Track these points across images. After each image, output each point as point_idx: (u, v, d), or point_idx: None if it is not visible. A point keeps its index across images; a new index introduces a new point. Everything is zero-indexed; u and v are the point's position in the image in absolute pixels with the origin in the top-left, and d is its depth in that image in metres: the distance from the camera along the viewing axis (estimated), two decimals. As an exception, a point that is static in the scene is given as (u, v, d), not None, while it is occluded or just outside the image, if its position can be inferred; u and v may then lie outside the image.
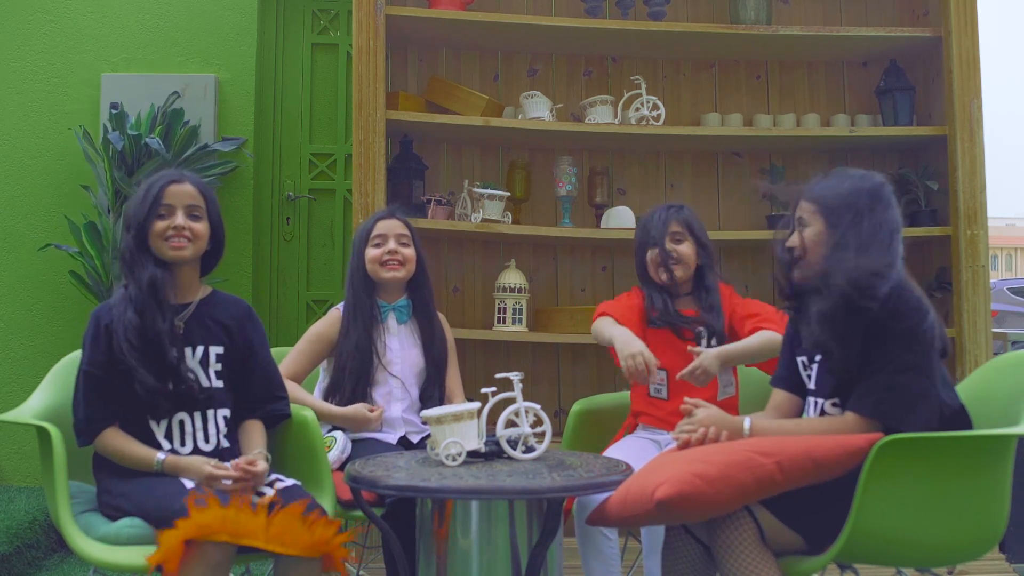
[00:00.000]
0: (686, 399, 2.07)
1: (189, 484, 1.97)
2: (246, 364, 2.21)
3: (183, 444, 2.08)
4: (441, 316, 2.73)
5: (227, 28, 4.13)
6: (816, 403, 2.05)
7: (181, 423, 2.09)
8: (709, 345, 2.51)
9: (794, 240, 2.06)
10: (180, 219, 2.09)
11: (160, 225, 2.08)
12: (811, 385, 2.07)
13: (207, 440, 2.11)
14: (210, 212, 2.16)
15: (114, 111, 3.82)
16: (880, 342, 1.89)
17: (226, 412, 2.16)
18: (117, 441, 2.04)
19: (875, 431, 1.88)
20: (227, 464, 1.99)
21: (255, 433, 2.19)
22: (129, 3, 4.12)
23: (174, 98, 3.96)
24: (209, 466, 1.96)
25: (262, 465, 1.99)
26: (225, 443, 2.14)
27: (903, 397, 1.87)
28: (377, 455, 2.21)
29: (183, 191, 2.11)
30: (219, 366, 2.16)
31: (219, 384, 2.15)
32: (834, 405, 2.00)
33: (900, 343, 1.88)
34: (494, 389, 2.09)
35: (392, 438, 2.53)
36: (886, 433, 1.87)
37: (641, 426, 2.57)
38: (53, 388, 2.24)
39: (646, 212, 2.69)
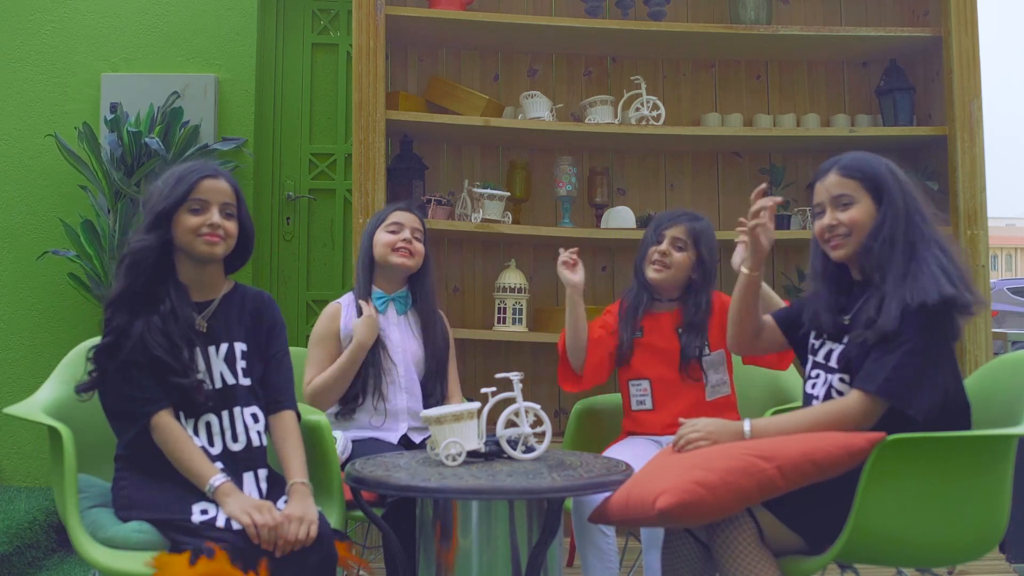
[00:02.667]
0: (681, 419, 2.06)
1: (205, 507, 1.89)
2: (270, 356, 2.14)
3: (211, 444, 2.00)
4: (442, 315, 2.73)
5: (227, 28, 4.13)
6: (825, 378, 2.02)
7: (208, 424, 2.02)
8: (687, 355, 2.49)
9: (839, 217, 2.00)
10: (216, 217, 2.02)
11: (194, 220, 2.01)
12: (831, 362, 2.03)
13: (235, 439, 2.02)
14: (240, 211, 2.09)
15: (111, 113, 3.82)
16: (899, 321, 1.87)
17: (254, 410, 2.07)
18: (177, 430, 1.94)
19: (878, 411, 1.87)
20: (270, 510, 1.88)
21: (290, 444, 2.07)
22: (129, 3, 4.12)
23: (174, 98, 3.96)
24: (255, 514, 1.84)
25: (303, 532, 1.87)
26: (256, 441, 2.05)
27: (912, 379, 1.85)
28: (378, 455, 2.21)
29: (219, 187, 2.04)
30: (244, 363, 2.08)
31: (246, 382, 2.07)
32: (841, 380, 1.98)
33: (917, 325, 1.86)
34: (494, 389, 2.09)
35: (394, 435, 2.53)
36: (889, 414, 1.87)
37: None
38: (63, 381, 2.18)
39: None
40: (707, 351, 2.52)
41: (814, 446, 1.81)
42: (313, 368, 2.55)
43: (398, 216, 2.62)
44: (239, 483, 1.98)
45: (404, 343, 2.60)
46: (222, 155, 3.93)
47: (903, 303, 1.87)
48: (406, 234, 2.60)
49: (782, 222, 3.56)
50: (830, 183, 2.03)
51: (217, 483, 1.89)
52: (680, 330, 2.53)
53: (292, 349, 2.70)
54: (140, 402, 1.95)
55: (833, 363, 2.02)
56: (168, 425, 1.94)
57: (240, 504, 1.86)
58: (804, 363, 2.15)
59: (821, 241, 2.07)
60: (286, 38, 4.30)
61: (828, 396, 2.00)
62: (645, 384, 2.53)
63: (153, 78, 4.03)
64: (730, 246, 3.65)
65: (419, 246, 2.62)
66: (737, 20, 3.57)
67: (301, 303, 4.23)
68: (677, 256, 2.51)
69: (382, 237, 2.60)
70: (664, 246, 2.52)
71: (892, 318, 1.87)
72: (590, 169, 3.65)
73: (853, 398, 1.90)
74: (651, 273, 2.53)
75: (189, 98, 3.99)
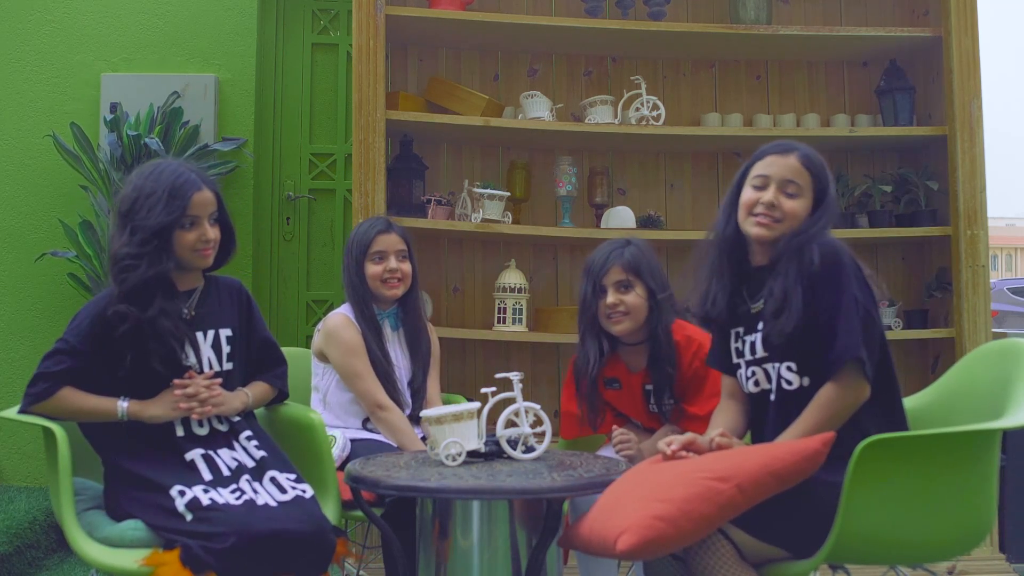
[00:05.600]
0: (661, 443, 1.98)
1: (183, 489, 1.95)
2: (250, 341, 2.27)
3: (201, 425, 2.11)
4: (430, 326, 2.76)
5: (227, 28, 4.13)
6: (766, 372, 2.01)
7: None
8: (658, 404, 2.40)
9: (783, 202, 1.98)
10: (209, 232, 2.11)
11: (190, 237, 2.09)
12: (759, 353, 2.01)
13: (221, 420, 2.14)
14: (221, 213, 2.17)
15: (111, 114, 3.82)
16: (833, 289, 1.90)
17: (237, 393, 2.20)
18: (74, 398, 2.03)
19: (863, 375, 1.87)
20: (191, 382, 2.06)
21: (254, 385, 2.25)
22: (129, 3, 4.12)
23: (174, 98, 3.96)
24: (171, 396, 2.04)
25: (231, 398, 2.13)
26: (237, 418, 2.18)
27: (874, 336, 1.90)
28: (377, 455, 2.21)
29: (206, 199, 2.11)
30: (229, 348, 2.19)
31: (229, 366, 2.19)
32: (789, 369, 1.97)
33: (836, 285, 1.90)
34: (494, 389, 2.10)
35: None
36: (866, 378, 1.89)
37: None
38: None
39: (594, 252, 2.43)
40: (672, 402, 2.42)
41: (770, 457, 1.78)
42: (369, 381, 2.53)
43: (380, 243, 2.61)
44: (230, 451, 2.10)
45: (398, 359, 2.65)
46: (222, 155, 3.94)
47: (808, 275, 1.91)
48: (391, 263, 2.60)
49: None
50: (789, 164, 2.00)
51: (125, 403, 2.03)
52: (651, 405, 2.43)
53: (291, 349, 2.72)
54: (42, 377, 2.02)
55: (760, 352, 2.01)
56: (67, 400, 2.03)
57: (160, 406, 2.04)
58: (731, 372, 2.12)
59: (746, 212, 2.02)
60: (286, 38, 4.30)
61: (779, 387, 1.99)
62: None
63: (153, 78, 4.03)
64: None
65: (406, 268, 2.64)
66: (737, 20, 3.57)
67: (301, 303, 4.23)
68: (628, 299, 2.34)
69: (369, 269, 2.61)
70: (611, 297, 2.34)
71: (796, 313, 1.90)
72: (590, 169, 3.65)
73: (834, 384, 1.89)
74: (614, 328, 2.36)
75: (189, 98, 3.99)
